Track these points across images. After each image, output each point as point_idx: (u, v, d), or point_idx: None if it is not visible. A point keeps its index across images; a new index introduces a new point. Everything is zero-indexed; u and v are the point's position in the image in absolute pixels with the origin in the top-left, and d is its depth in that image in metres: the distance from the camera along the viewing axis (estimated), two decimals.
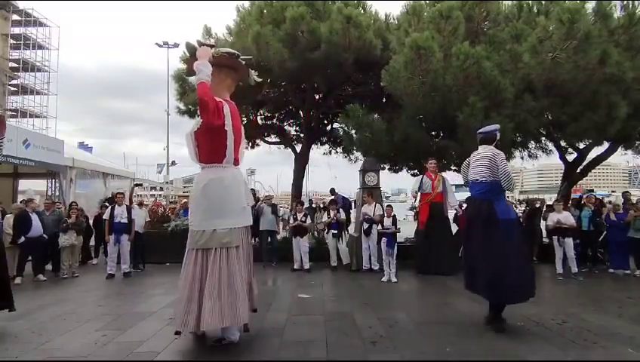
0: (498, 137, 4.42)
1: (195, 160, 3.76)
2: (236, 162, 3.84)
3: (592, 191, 10.42)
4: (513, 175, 4.32)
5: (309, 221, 8.56)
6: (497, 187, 4.19)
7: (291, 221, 8.55)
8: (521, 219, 8.62)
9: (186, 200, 10.53)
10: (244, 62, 3.98)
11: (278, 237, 10.09)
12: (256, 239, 8.86)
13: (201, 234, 3.54)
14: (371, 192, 8.43)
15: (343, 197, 12.05)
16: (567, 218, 7.47)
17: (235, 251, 3.57)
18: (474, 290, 4.32)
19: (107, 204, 9.67)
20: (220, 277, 3.43)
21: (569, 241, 7.37)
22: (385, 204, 8.36)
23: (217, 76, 3.77)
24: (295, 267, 8.13)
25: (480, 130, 4.50)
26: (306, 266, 8.08)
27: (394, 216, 7.84)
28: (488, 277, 4.02)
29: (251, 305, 3.90)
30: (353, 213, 10.67)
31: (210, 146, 3.65)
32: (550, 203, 10.02)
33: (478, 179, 4.30)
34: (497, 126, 4.53)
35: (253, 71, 4.22)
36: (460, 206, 8.79)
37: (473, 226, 4.32)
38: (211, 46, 3.77)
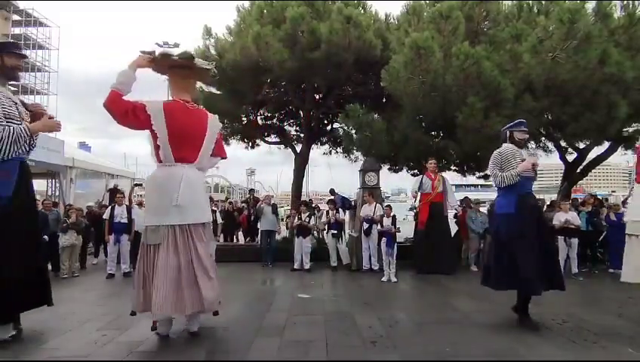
0: (506, 135, 4.45)
1: (154, 160, 3.96)
2: (184, 160, 3.86)
3: (595, 195, 10.43)
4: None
5: (312, 221, 8.56)
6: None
7: (295, 221, 8.54)
8: None
9: None
10: (178, 59, 3.92)
11: (279, 237, 10.10)
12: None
13: (143, 230, 3.89)
14: (372, 192, 8.44)
15: (343, 197, 12.03)
16: (575, 218, 7.48)
17: (158, 248, 3.68)
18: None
19: (106, 203, 9.68)
20: (141, 269, 3.76)
21: (575, 242, 7.38)
22: (384, 204, 8.37)
23: (171, 77, 4.04)
24: (295, 267, 8.13)
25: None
26: (307, 266, 8.08)
27: (393, 216, 7.84)
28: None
29: (195, 304, 3.72)
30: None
31: (153, 146, 3.85)
32: (548, 203, 10.04)
33: None
34: (510, 124, 4.53)
35: (202, 60, 4.15)
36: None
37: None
38: (150, 53, 3.87)
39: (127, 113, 3.59)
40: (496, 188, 4.44)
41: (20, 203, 3.67)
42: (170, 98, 4.02)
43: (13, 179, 3.61)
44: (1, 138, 3.43)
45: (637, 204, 7.12)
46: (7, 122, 3.51)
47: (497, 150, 4.38)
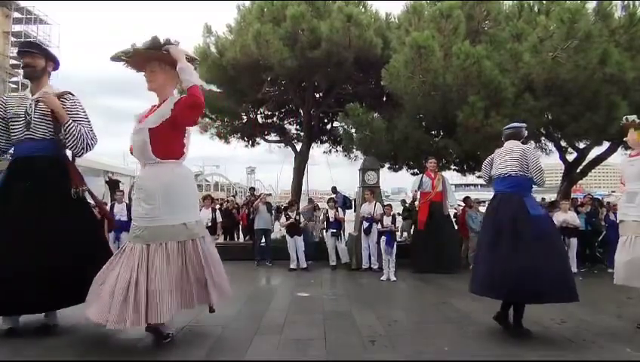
0: (525, 134, 4.36)
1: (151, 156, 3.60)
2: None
3: (591, 195, 10.45)
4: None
5: (302, 219, 8.58)
6: (527, 182, 4.10)
7: (282, 220, 8.54)
8: None
9: None
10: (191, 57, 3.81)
11: (278, 235, 10.12)
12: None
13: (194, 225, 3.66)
14: (373, 191, 8.44)
15: (345, 196, 12.03)
16: (573, 218, 7.48)
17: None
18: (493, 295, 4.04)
19: (106, 201, 9.65)
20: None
21: (574, 241, 7.38)
22: (385, 203, 8.38)
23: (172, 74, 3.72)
24: (292, 267, 8.09)
25: (508, 126, 4.46)
26: (303, 265, 8.10)
27: (394, 215, 7.85)
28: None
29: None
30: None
31: (180, 141, 3.69)
32: (549, 203, 10.02)
33: (507, 174, 4.14)
34: (524, 124, 4.47)
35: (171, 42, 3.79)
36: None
37: (504, 222, 4.02)
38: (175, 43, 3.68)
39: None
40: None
41: (19, 199, 3.63)
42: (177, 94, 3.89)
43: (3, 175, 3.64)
44: None
45: None
46: None
47: (530, 147, 4.26)
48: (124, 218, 7.67)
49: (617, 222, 4.47)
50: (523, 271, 3.68)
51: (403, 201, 13.13)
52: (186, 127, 3.68)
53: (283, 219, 8.55)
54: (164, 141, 3.53)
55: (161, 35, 3.65)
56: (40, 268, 3.50)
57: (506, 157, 4.20)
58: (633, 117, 4.41)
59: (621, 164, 4.67)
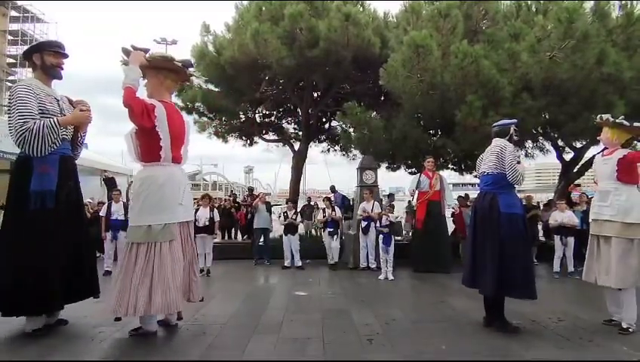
0: (512, 132, 4.33)
1: (136, 159, 3.92)
2: (176, 160, 3.94)
3: (586, 194, 10.48)
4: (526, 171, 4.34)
5: (299, 219, 8.63)
6: (503, 180, 4.12)
7: (282, 219, 8.62)
8: None
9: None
10: (180, 65, 4.01)
11: (276, 235, 10.13)
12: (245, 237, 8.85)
13: (137, 229, 3.71)
14: (371, 190, 8.44)
15: (343, 196, 12.04)
16: (570, 217, 7.50)
17: (169, 245, 3.71)
18: (473, 286, 4.28)
19: (103, 201, 9.66)
20: (146, 269, 3.61)
21: (571, 241, 7.40)
22: (384, 202, 8.39)
23: (156, 78, 3.93)
24: (285, 264, 8.16)
25: (495, 124, 4.48)
26: (298, 264, 8.15)
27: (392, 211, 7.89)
28: (489, 270, 4.01)
29: (190, 296, 4.03)
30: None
31: (147, 146, 3.79)
32: (545, 202, 10.04)
33: (485, 172, 4.27)
34: (514, 121, 4.48)
35: (191, 69, 4.44)
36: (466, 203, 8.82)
37: (477, 219, 4.25)
38: (145, 50, 3.85)
39: (143, 112, 3.58)
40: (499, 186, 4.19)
41: (65, 197, 3.81)
42: (150, 98, 3.89)
43: (54, 174, 3.72)
44: (31, 132, 3.52)
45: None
46: (40, 117, 3.62)
47: (510, 144, 4.18)
48: (122, 217, 7.66)
49: (589, 220, 4.52)
50: (484, 265, 4.06)
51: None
52: (157, 131, 3.72)
53: (282, 218, 8.65)
54: (139, 144, 3.82)
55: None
56: (68, 267, 3.80)
57: (486, 156, 4.33)
58: (607, 116, 4.42)
59: (595, 163, 4.68)
